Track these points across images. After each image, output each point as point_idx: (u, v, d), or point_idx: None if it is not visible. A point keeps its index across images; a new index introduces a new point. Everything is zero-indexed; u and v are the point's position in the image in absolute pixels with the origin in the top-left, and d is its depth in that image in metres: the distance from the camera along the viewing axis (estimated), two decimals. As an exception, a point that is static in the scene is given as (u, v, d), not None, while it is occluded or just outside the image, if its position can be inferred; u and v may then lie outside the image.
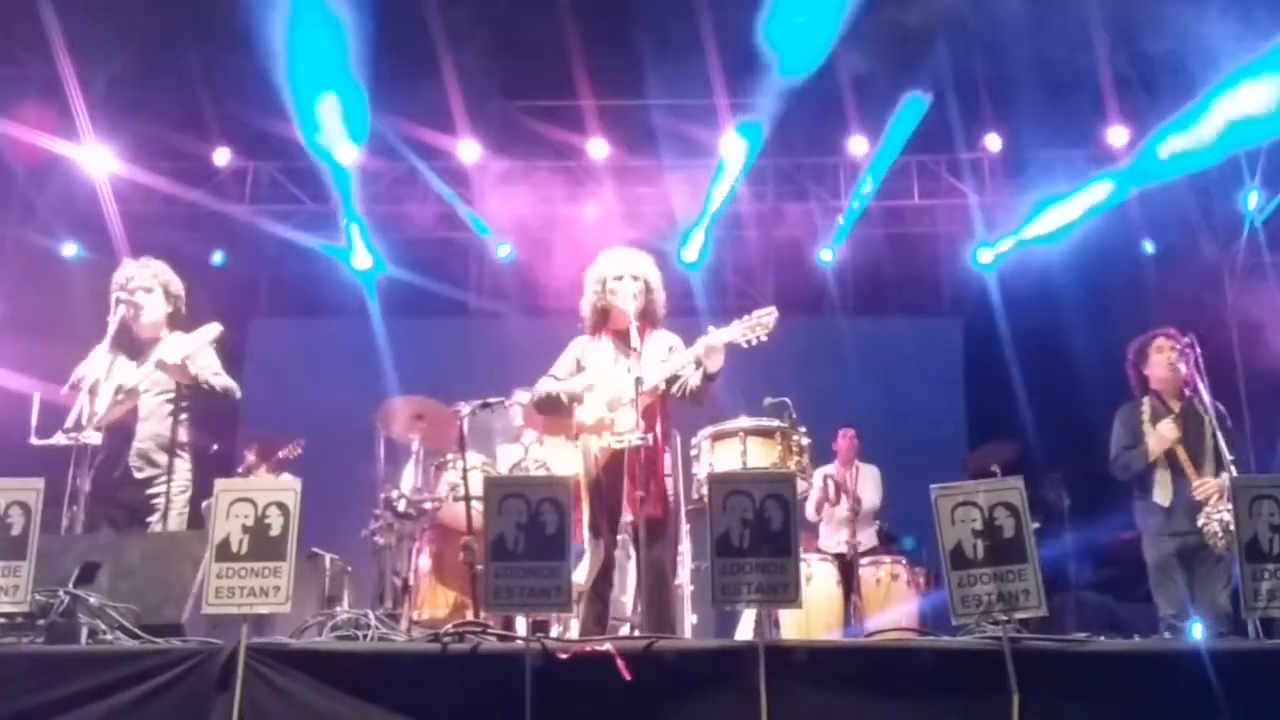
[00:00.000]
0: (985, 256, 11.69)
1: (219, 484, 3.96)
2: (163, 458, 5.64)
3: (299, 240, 11.80)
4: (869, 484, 8.90)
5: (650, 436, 5.09)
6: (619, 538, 5.45)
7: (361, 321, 11.59)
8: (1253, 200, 10.53)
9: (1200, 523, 5.76)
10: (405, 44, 9.91)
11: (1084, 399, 8.36)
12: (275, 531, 3.85)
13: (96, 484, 5.21)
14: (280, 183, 11.77)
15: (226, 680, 3.67)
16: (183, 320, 5.90)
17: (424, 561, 6.85)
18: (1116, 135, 10.85)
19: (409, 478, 7.24)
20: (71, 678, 3.70)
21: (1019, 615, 3.80)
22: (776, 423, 5.97)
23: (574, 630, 5.38)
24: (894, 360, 11.61)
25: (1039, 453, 9.61)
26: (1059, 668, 3.78)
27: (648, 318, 5.49)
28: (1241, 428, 6.93)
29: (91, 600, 4.05)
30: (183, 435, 5.72)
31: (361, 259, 11.69)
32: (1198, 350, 6.10)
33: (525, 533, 3.84)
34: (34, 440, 5.20)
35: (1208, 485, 5.83)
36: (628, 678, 3.67)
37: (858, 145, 11.45)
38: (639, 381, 5.10)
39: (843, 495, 8.69)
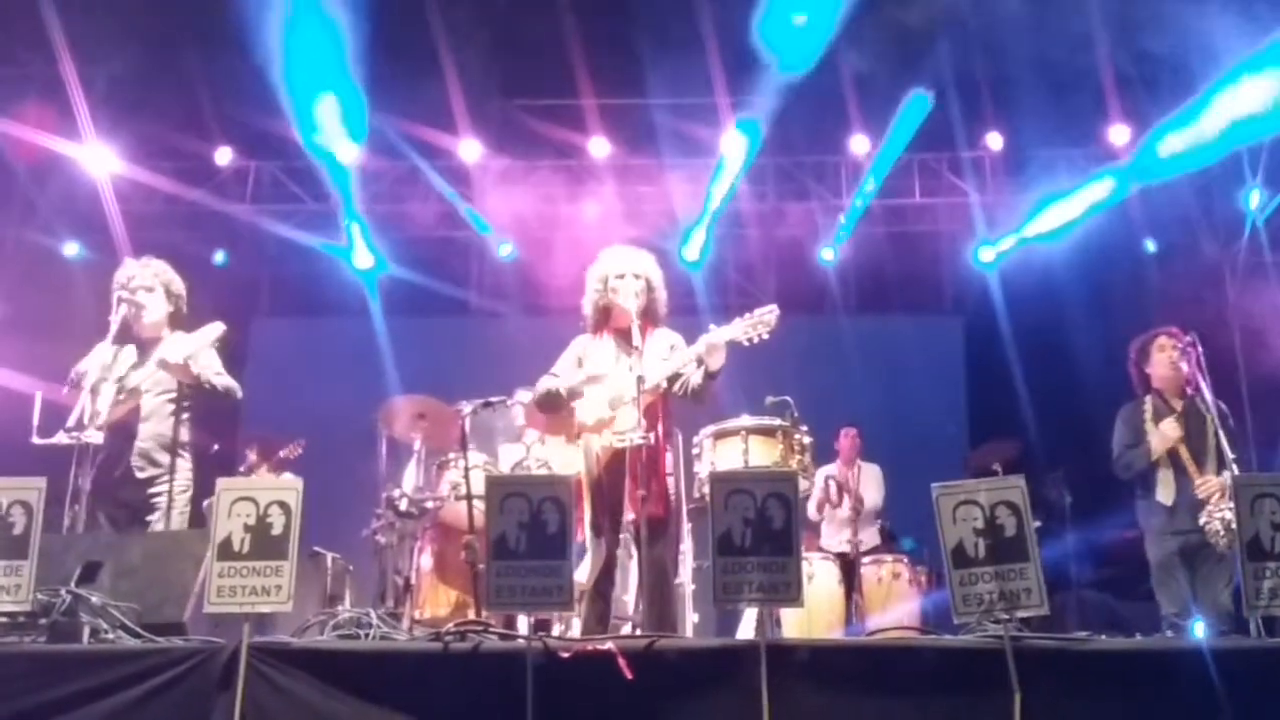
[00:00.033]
0: (987, 255, 11.69)
1: (221, 483, 3.96)
2: (164, 457, 5.64)
3: (300, 240, 11.82)
4: (871, 483, 8.89)
5: (652, 435, 5.09)
6: (621, 536, 5.45)
7: (363, 321, 11.60)
8: (1254, 199, 10.52)
9: (1202, 521, 5.76)
10: (406, 43, 9.92)
11: (1085, 398, 8.37)
12: (277, 530, 3.85)
13: (97, 483, 5.21)
14: (281, 182, 11.78)
15: (228, 679, 3.66)
16: (184, 320, 5.90)
17: (426, 560, 6.85)
18: (1118, 134, 10.86)
19: (410, 477, 7.24)
20: (73, 677, 3.70)
21: (1020, 614, 3.80)
22: (778, 421, 5.96)
23: (575, 629, 5.38)
24: (895, 359, 11.61)
25: (1040, 451, 9.61)
26: (1060, 666, 3.78)
27: (649, 316, 5.49)
28: (1243, 426, 6.93)
29: (93, 599, 4.05)
30: (184, 435, 5.71)
31: (363, 258, 11.70)
32: (1199, 349, 6.10)
33: (527, 532, 3.83)
34: (36, 439, 5.20)
35: (1210, 484, 5.83)
36: (629, 677, 3.67)
37: (859, 144, 11.46)
38: (640, 380, 5.09)
39: (844, 496, 8.69)
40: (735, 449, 5.84)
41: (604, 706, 3.72)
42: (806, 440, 6.04)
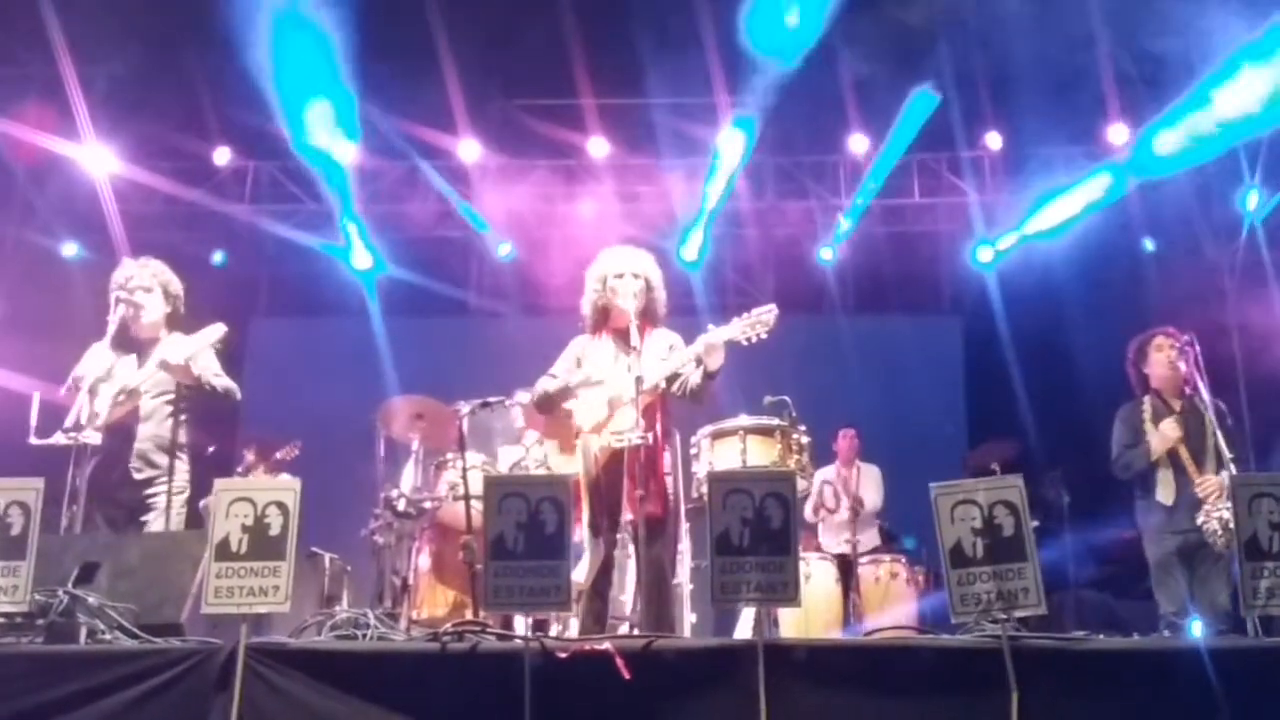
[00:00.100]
0: (985, 255, 11.69)
1: (218, 484, 3.96)
2: (161, 458, 5.64)
3: (299, 240, 11.81)
4: (870, 484, 8.91)
5: (650, 435, 5.09)
6: (618, 536, 5.45)
7: (361, 321, 11.60)
8: (1252, 200, 10.52)
9: (1199, 521, 5.77)
10: (404, 44, 9.91)
11: (1084, 397, 8.37)
12: (275, 531, 3.85)
13: (94, 484, 5.20)
14: (280, 182, 11.77)
15: (225, 680, 3.66)
16: (182, 320, 5.89)
17: (423, 561, 6.86)
18: (1117, 133, 10.85)
19: (409, 477, 7.24)
20: (71, 677, 3.69)
21: (1018, 613, 3.80)
22: (776, 421, 5.97)
23: (573, 629, 5.38)
24: (894, 359, 11.62)
25: (1038, 451, 9.62)
26: (1058, 666, 3.78)
27: (648, 316, 5.48)
28: (1242, 426, 6.92)
29: (91, 600, 4.05)
30: (182, 436, 5.71)
31: (361, 258, 11.70)
32: (1197, 348, 6.10)
33: (525, 532, 3.83)
34: (33, 440, 5.20)
35: (1209, 483, 5.84)
36: (627, 677, 3.67)
37: (858, 144, 11.46)
38: (639, 380, 5.09)
39: (840, 500, 8.70)
40: (733, 449, 5.85)
41: (602, 706, 3.72)
42: (804, 440, 6.04)
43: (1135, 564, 6.49)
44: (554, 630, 5.61)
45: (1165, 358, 6.27)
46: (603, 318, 5.56)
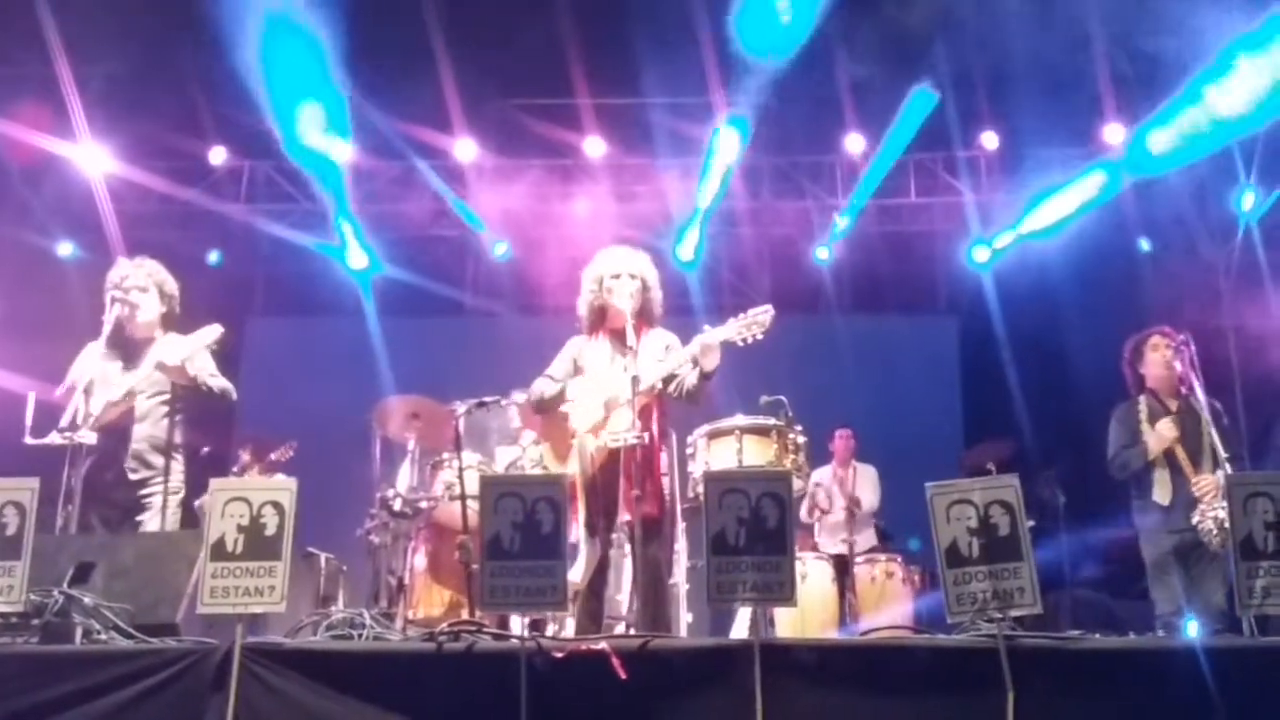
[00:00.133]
0: (981, 255, 11.70)
1: (214, 483, 3.96)
2: (157, 459, 5.63)
3: (295, 239, 11.80)
4: (866, 484, 8.92)
5: (646, 435, 5.09)
6: (614, 536, 5.45)
7: (357, 320, 11.60)
8: (1247, 200, 10.54)
9: (1195, 520, 5.78)
10: (401, 43, 9.91)
11: (1080, 397, 8.39)
12: (270, 531, 3.84)
13: (89, 483, 5.20)
14: (276, 182, 11.77)
15: (221, 680, 3.66)
16: (177, 320, 5.89)
17: (419, 560, 6.85)
18: (1113, 133, 10.85)
19: (404, 477, 7.24)
20: (66, 678, 3.68)
21: (1014, 613, 3.80)
22: (772, 421, 5.98)
23: (569, 629, 5.38)
24: (890, 359, 11.64)
25: (1034, 451, 9.63)
26: (1054, 665, 3.78)
27: (644, 316, 5.48)
28: (1237, 425, 6.93)
29: (86, 600, 4.04)
30: (177, 437, 5.70)
31: (357, 258, 11.70)
32: (1193, 348, 6.11)
33: (521, 532, 3.82)
34: (29, 439, 5.19)
35: (1206, 483, 5.84)
36: (623, 676, 3.67)
37: (854, 143, 11.47)
38: (635, 380, 5.09)
39: (834, 500, 8.71)
40: (730, 448, 5.85)
41: (598, 706, 3.72)
42: (801, 440, 6.05)
43: (1131, 564, 6.50)
44: (550, 630, 5.61)
45: (1161, 357, 6.28)
46: (599, 318, 5.56)
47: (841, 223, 11.74)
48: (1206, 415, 5.94)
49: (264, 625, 4.73)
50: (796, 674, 3.72)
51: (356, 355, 11.05)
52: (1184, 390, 6.20)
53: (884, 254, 12.27)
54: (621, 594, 6.38)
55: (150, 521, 5.49)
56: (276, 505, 3.87)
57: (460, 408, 5.98)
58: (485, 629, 4.11)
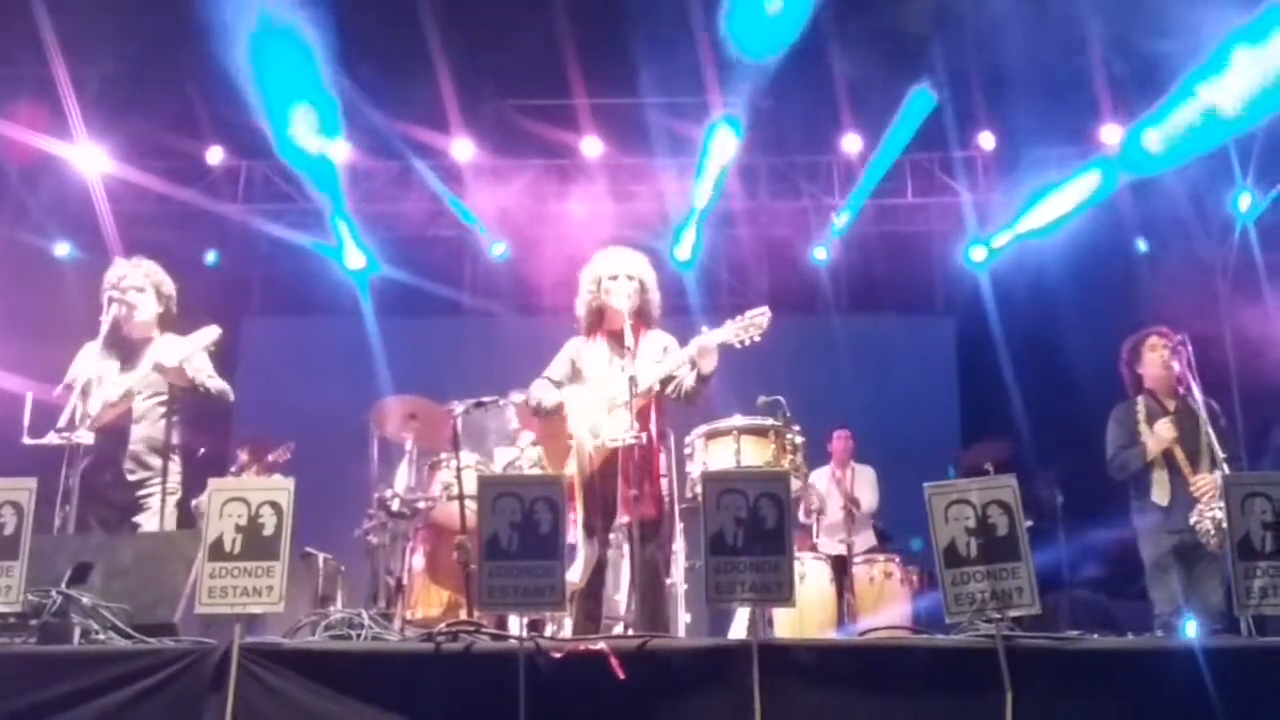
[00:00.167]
0: (978, 255, 11.70)
1: (212, 483, 3.95)
2: (154, 460, 5.63)
3: (292, 239, 11.80)
4: (865, 485, 8.92)
5: (644, 435, 5.09)
6: (612, 536, 5.45)
7: (355, 320, 11.59)
8: (1244, 201, 10.55)
9: (1192, 520, 5.78)
10: (398, 43, 9.91)
11: (1077, 397, 8.38)
12: (268, 531, 3.83)
13: (86, 484, 5.20)
14: (273, 181, 11.76)
15: (220, 680, 3.65)
16: (174, 320, 5.89)
17: (417, 561, 6.85)
18: (1110, 133, 10.86)
19: (402, 477, 7.23)
20: (64, 678, 3.68)
21: (1012, 613, 3.80)
22: (770, 421, 5.97)
23: (568, 629, 5.38)
24: (887, 359, 11.64)
25: (1032, 451, 9.63)
26: (1052, 666, 3.78)
27: (642, 317, 5.48)
28: (1234, 425, 6.94)
29: (84, 600, 4.03)
30: (174, 438, 5.70)
31: (354, 258, 11.69)
32: (1190, 348, 6.11)
33: (519, 532, 3.82)
34: (26, 440, 5.19)
35: (1204, 482, 5.84)
36: (621, 677, 3.67)
37: (851, 144, 11.47)
38: (633, 381, 5.10)
39: (824, 503, 8.70)
40: (727, 449, 5.85)
41: (597, 707, 3.72)
42: (799, 440, 6.04)
43: (1129, 564, 6.50)
44: (549, 630, 5.60)
45: (1159, 358, 6.28)
46: (597, 319, 5.56)
47: (840, 220, 11.73)
48: (1204, 415, 5.94)
49: (262, 625, 4.73)
50: (795, 674, 3.72)
51: (354, 355, 11.04)
52: (1181, 390, 6.20)
53: (881, 254, 12.28)
54: (620, 594, 6.38)
55: (148, 523, 5.49)
56: (274, 505, 3.86)
57: (458, 408, 5.98)
58: (483, 629, 4.11)
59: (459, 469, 5.92)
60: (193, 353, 5.55)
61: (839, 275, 12.41)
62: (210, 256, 12.17)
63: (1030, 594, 3.79)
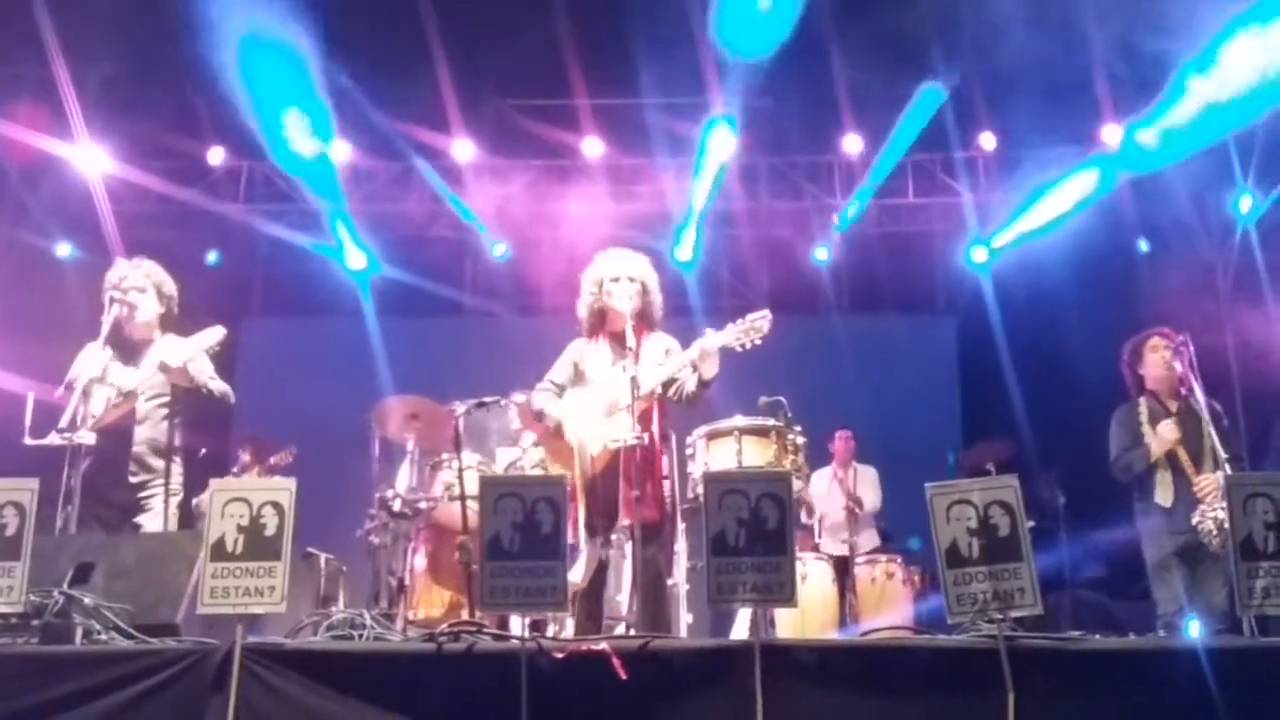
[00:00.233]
0: (980, 255, 11.71)
1: (214, 484, 3.95)
2: (156, 461, 5.64)
3: (293, 239, 11.80)
4: (868, 485, 8.92)
5: (646, 436, 5.09)
6: (614, 537, 5.45)
7: (356, 321, 11.61)
8: (1245, 203, 10.55)
9: (1194, 521, 5.78)
10: (399, 43, 9.91)
11: (1079, 397, 8.37)
12: (270, 531, 3.83)
13: (88, 484, 5.19)
14: (274, 182, 11.75)
15: (222, 680, 3.65)
16: (175, 321, 5.89)
17: (419, 561, 6.84)
18: (1111, 133, 10.86)
19: (404, 477, 7.22)
20: (66, 678, 3.68)
21: (1014, 614, 3.80)
22: (771, 422, 5.97)
23: (569, 629, 5.38)
24: (889, 359, 11.64)
25: (1034, 451, 9.63)
26: (1054, 666, 3.78)
27: (644, 319, 5.48)
28: (1236, 426, 6.94)
29: (86, 600, 4.03)
30: (176, 439, 5.70)
31: (355, 258, 11.70)
32: (1192, 349, 6.11)
33: (521, 532, 3.82)
34: (28, 440, 5.19)
35: (1206, 482, 5.84)
36: (623, 677, 3.67)
37: (851, 144, 11.48)
38: (635, 382, 5.10)
39: (814, 507, 8.70)
40: (729, 449, 5.85)
41: (599, 707, 3.72)
42: (800, 440, 6.04)
43: (1131, 564, 6.50)
44: (550, 631, 5.60)
45: (1160, 358, 6.27)
46: (599, 321, 5.56)
47: (851, 210, 11.70)
48: (1206, 416, 5.93)
49: (264, 625, 4.73)
50: (797, 675, 3.72)
51: (355, 355, 11.05)
52: (1184, 391, 6.20)
53: (882, 255, 12.28)
54: (621, 594, 6.37)
55: (150, 523, 5.49)
56: (276, 505, 3.86)
57: (460, 408, 5.98)
58: (485, 629, 4.11)
59: (461, 469, 5.92)
60: (197, 353, 5.55)
61: (840, 275, 12.42)
62: (211, 257, 12.17)
63: (1032, 594, 3.79)
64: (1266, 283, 10.15)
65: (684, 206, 11.46)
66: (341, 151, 11.34)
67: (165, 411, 5.68)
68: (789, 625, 6.48)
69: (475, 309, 12.53)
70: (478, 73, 10.62)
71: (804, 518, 8.65)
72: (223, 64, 9.41)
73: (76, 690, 3.66)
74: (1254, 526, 3.97)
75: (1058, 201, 11.02)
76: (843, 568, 7.86)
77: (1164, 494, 6.05)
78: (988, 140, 11.46)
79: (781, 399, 6.09)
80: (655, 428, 5.29)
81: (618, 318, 5.40)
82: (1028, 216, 11.25)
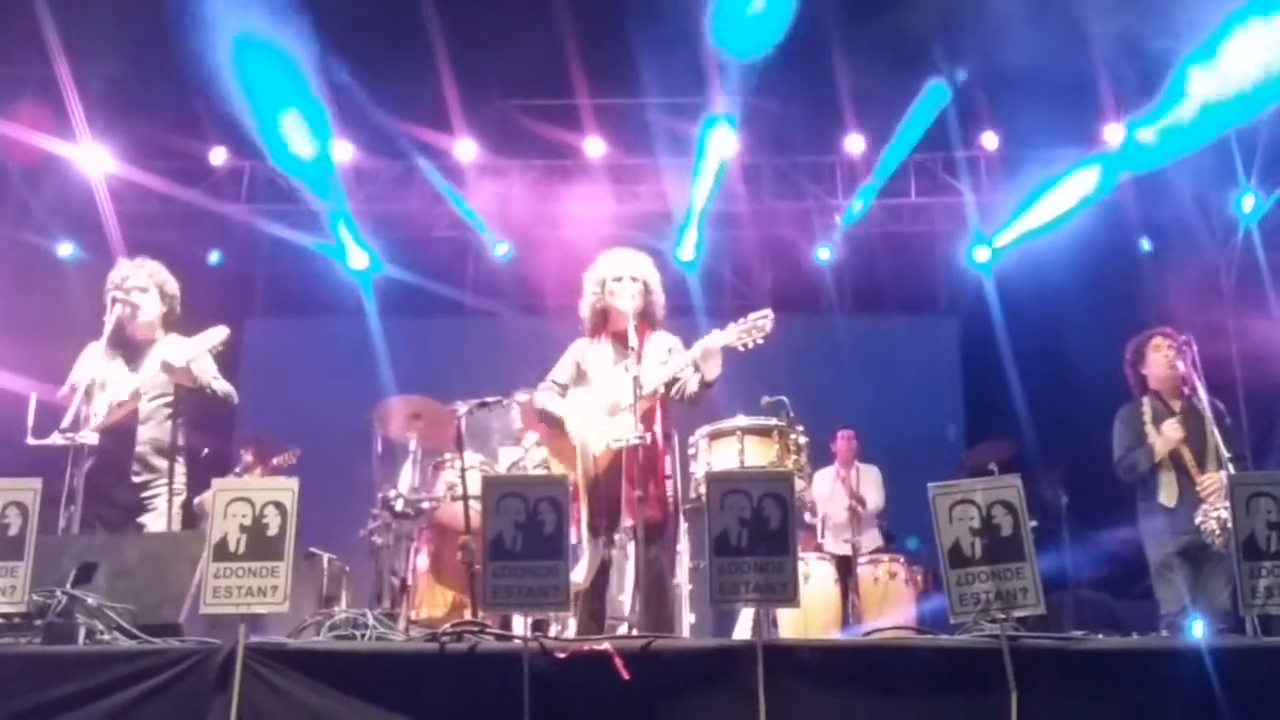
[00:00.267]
0: (982, 255, 11.70)
1: (216, 484, 3.96)
2: (159, 461, 5.64)
3: (295, 239, 11.80)
4: (870, 485, 8.91)
5: (648, 436, 5.09)
6: (616, 537, 5.45)
7: (358, 321, 11.61)
8: (1247, 203, 10.54)
9: (1197, 520, 5.77)
10: (401, 43, 9.91)
11: (1081, 397, 8.36)
12: (273, 531, 3.84)
13: (91, 484, 5.19)
14: (276, 182, 11.74)
15: (224, 680, 3.66)
16: (178, 321, 5.89)
17: (422, 561, 6.84)
18: (1113, 133, 10.85)
19: (406, 477, 7.23)
20: (69, 678, 3.69)
21: (1017, 613, 3.80)
22: (774, 421, 5.95)
23: (572, 629, 5.38)
24: (891, 359, 11.63)
25: (1036, 451, 9.62)
26: (1057, 666, 3.78)
27: (647, 319, 5.48)
28: (1240, 425, 6.93)
29: (89, 600, 4.04)
30: (179, 439, 5.71)
31: (357, 258, 11.71)
32: (1195, 348, 6.10)
33: (523, 532, 3.82)
34: (30, 440, 5.19)
35: (1210, 481, 5.83)
36: (626, 677, 3.67)
37: (854, 144, 11.48)
38: (637, 382, 5.10)
39: (816, 507, 8.69)
40: (731, 449, 5.83)
41: (601, 707, 3.72)
42: (802, 440, 6.03)
43: (1134, 564, 6.49)
44: (553, 630, 5.60)
45: (1163, 358, 6.26)
46: (601, 321, 5.56)
47: (857, 205, 11.70)
48: (1210, 416, 5.93)
49: (266, 625, 4.72)
50: (799, 675, 3.73)
51: (357, 355, 11.05)
52: (1186, 391, 6.19)
53: (884, 254, 12.27)
54: (624, 595, 6.37)
55: (153, 523, 5.49)
56: (279, 505, 3.87)
57: (462, 408, 5.97)
58: (488, 629, 4.11)
59: (463, 469, 5.92)
60: (201, 353, 5.55)
61: (842, 275, 12.41)
62: (214, 257, 12.17)
63: (1035, 594, 3.79)
64: (1269, 282, 10.13)
65: (686, 207, 11.45)
66: (344, 151, 11.36)
67: (168, 411, 5.69)
68: (791, 625, 6.48)
69: (477, 309, 12.53)
70: (480, 73, 10.62)
71: (807, 517, 8.65)
72: (225, 64, 9.42)
73: (79, 690, 3.67)
74: (1257, 526, 3.97)
75: (1060, 201, 11.01)
76: (845, 568, 7.85)
77: (1168, 494, 6.03)
78: (990, 140, 11.46)
79: (784, 399, 6.08)
80: (658, 427, 5.29)
81: (620, 317, 5.40)
82: (1030, 216, 11.25)
